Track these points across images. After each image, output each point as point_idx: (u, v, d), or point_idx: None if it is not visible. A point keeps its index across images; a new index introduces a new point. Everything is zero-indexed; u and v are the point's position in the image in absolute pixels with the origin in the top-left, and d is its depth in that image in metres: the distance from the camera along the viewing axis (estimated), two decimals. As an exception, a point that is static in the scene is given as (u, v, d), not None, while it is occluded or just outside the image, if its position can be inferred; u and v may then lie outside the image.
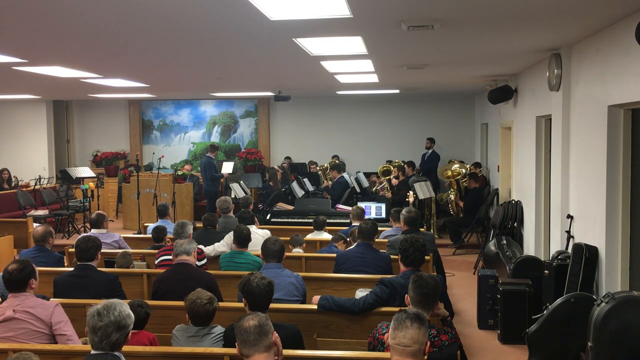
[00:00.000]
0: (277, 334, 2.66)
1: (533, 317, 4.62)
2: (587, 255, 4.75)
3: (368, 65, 6.94)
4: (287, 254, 4.62)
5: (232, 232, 5.29)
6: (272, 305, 3.64)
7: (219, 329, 3.54)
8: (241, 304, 3.39)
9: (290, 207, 8.90)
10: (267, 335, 2.56)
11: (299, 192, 9.66)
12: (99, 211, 6.32)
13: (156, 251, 5.51)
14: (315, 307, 3.95)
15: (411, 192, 8.67)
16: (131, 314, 2.77)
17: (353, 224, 6.32)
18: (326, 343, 3.90)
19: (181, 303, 3.99)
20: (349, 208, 7.91)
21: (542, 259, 6.03)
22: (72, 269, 4.48)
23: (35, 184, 11.54)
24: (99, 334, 2.64)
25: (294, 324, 3.51)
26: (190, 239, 4.81)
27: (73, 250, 4.90)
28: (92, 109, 14.44)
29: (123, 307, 2.75)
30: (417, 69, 7.25)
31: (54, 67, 6.80)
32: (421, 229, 6.15)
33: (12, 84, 8.84)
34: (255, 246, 5.42)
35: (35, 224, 8.26)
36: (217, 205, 6.88)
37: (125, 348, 2.86)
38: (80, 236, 4.47)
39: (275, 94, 10.87)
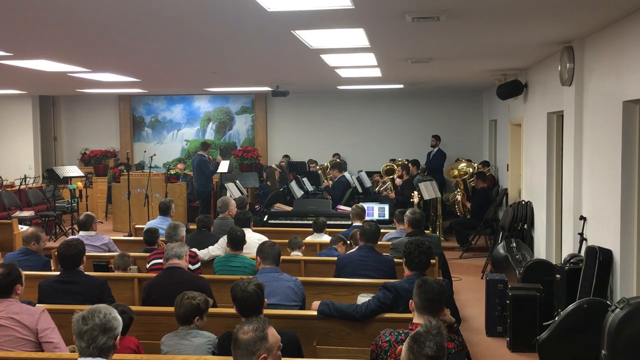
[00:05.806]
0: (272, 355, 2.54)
1: (544, 323, 4.62)
2: (600, 259, 4.71)
3: (370, 58, 6.91)
4: (285, 257, 4.73)
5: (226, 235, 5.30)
6: (269, 311, 3.75)
7: (208, 335, 3.46)
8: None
9: (289, 208, 8.86)
10: (251, 358, 2.49)
11: (298, 192, 9.63)
12: (88, 212, 6.30)
13: (148, 254, 5.49)
14: (315, 313, 3.93)
15: (416, 193, 8.76)
16: (118, 317, 2.75)
17: (353, 224, 6.31)
18: (326, 351, 3.87)
19: (172, 309, 3.89)
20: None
21: (554, 263, 6.00)
22: (58, 273, 4.44)
23: (21, 184, 11.44)
24: (85, 338, 2.62)
25: (292, 331, 3.52)
26: (181, 242, 4.79)
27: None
28: (80, 104, 14.28)
29: (109, 310, 2.74)
30: (422, 62, 7.24)
31: (40, 60, 6.76)
32: (426, 231, 6.24)
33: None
34: (250, 249, 5.35)
35: (20, 226, 8.19)
36: (218, 204, 6.92)
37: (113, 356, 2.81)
38: (62, 242, 4.40)
39: (273, 89, 10.84)
